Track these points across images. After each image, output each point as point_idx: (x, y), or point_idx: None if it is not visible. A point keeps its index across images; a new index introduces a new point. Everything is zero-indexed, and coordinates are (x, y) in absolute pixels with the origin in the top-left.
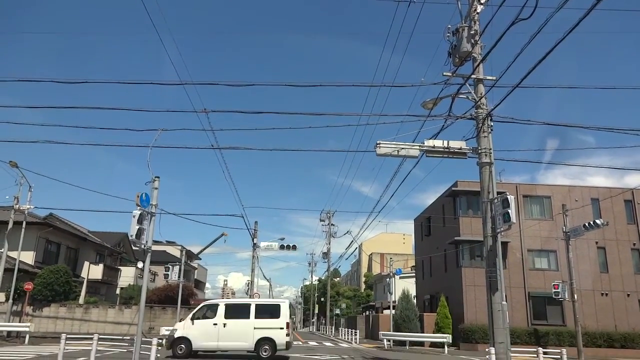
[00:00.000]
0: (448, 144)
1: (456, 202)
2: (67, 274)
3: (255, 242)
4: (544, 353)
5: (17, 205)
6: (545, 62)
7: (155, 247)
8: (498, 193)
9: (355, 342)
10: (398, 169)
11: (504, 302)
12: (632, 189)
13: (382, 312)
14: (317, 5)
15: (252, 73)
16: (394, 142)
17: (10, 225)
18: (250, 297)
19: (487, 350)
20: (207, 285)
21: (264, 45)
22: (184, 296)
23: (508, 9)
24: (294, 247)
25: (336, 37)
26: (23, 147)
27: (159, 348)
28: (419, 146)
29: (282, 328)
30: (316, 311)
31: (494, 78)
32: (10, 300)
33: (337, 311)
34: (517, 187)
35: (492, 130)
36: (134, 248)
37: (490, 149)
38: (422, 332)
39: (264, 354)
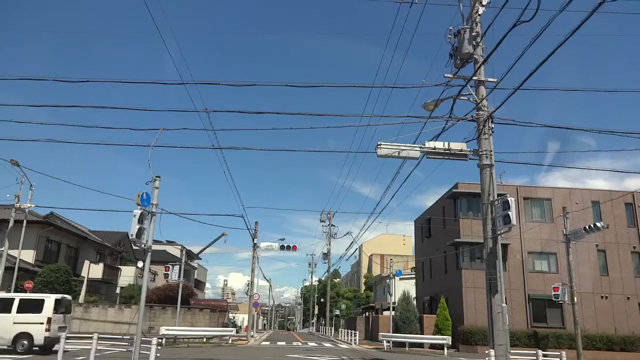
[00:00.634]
0: (449, 146)
1: (456, 204)
2: (67, 273)
3: (255, 242)
4: (544, 355)
5: (18, 204)
6: (547, 64)
7: (155, 247)
8: (498, 195)
9: (355, 343)
10: (399, 170)
11: (504, 305)
12: (632, 191)
13: (382, 314)
14: (318, 6)
15: (254, 73)
16: (395, 144)
17: (10, 224)
18: (250, 298)
19: (486, 352)
20: (207, 285)
21: (266, 46)
22: (184, 296)
23: (510, 11)
24: (294, 248)
25: (338, 38)
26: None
27: (159, 348)
28: (420, 147)
29: (42, 323)
30: (316, 312)
31: (495, 80)
32: None
33: (337, 312)
34: (518, 189)
35: (493, 132)
36: (134, 247)
37: (491, 151)
38: (422, 334)
39: (20, 348)
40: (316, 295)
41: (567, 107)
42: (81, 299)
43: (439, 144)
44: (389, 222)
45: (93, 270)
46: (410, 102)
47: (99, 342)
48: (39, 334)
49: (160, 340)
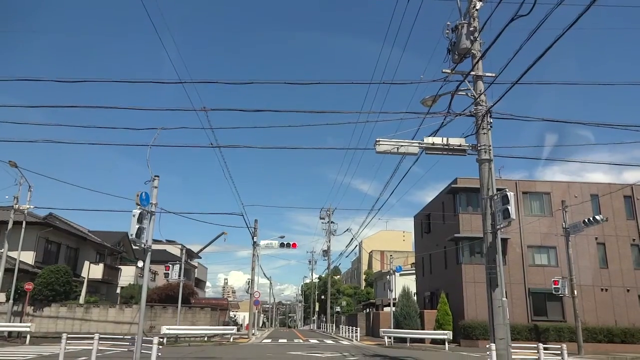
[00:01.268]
0: (447, 141)
1: (456, 199)
2: (67, 274)
3: (255, 240)
4: (544, 349)
5: (17, 205)
6: (544, 58)
7: (155, 246)
8: (497, 190)
9: (356, 340)
10: (397, 166)
11: (504, 299)
12: (631, 184)
13: (383, 310)
14: (315, 2)
15: (252, 72)
16: (394, 140)
17: (10, 225)
18: (250, 296)
19: (487, 346)
20: (208, 284)
21: (264, 43)
22: (185, 295)
23: (507, 5)
24: (294, 245)
25: (335, 34)
26: (22, 147)
27: (161, 347)
28: (419, 143)
29: None
30: (317, 309)
31: (493, 75)
32: (11, 301)
33: (338, 309)
34: (517, 183)
35: (491, 127)
36: (134, 247)
37: (490, 146)
38: (423, 329)
39: None
40: (317, 293)
41: (565, 100)
42: (81, 299)
43: (437, 140)
44: (388, 219)
45: (93, 271)
46: (408, 98)
47: (100, 342)
48: None
49: (161, 340)
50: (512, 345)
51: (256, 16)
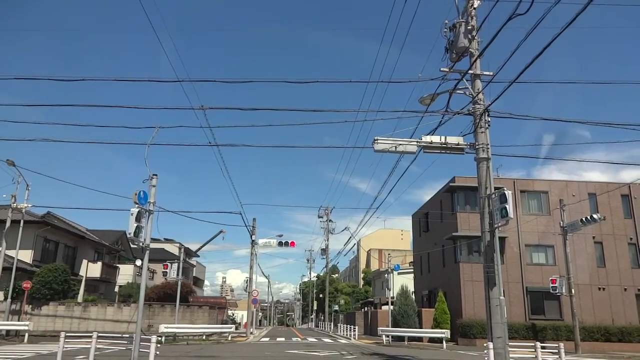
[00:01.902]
0: (445, 140)
1: (454, 198)
2: (65, 273)
3: (253, 239)
4: (542, 347)
5: (15, 204)
6: (542, 57)
7: (153, 245)
8: (495, 188)
9: (354, 338)
10: (395, 165)
11: (502, 297)
12: (628, 183)
13: (381, 308)
14: (313, 1)
15: (250, 70)
16: (392, 138)
17: (7, 224)
18: (249, 294)
19: (485, 345)
20: (206, 282)
21: (261, 42)
22: (183, 294)
23: (505, 4)
24: (293, 244)
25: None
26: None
27: (159, 345)
28: (417, 142)
29: None
30: (315, 308)
31: (491, 73)
32: (9, 299)
33: (336, 307)
34: (515, 182)
35: (489, 125)
36: (132, 246)
37: (488, 145)
38: (421, 328)
39: None
40: (315, 291)
41: (563, 99)
42: (80, 298)
43: (435, 138)
44: (386, 217)
45: (91, 269)
46: (406, 97)
47: (99, 340)
48: None
49: (159, 338)
50: (510, 343)
51: (254, 14)
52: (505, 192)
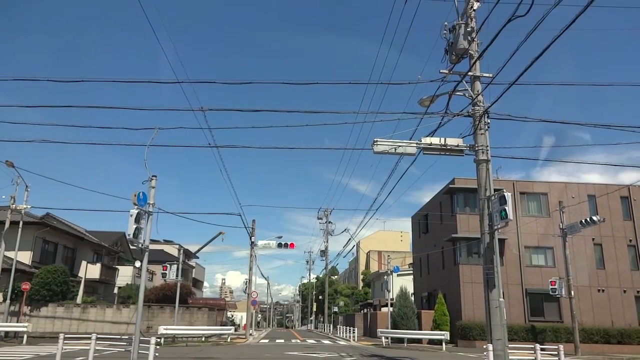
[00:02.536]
0: (445, 142)
1: (453, 200)
2: (64, 274)
3: (252, 240)
4: (541, 349)
5: (14, 205)
6: (542, 59)
7: (152, 246)
8: (495, 190)
9: (354, 340)
10: (395, 167)
11: (502, 299)
12: (628, 185)
13: (380, 310)
14: (314, 3)
15: (250, 72)
16: (391, 140)
17: (7, 225)
18: (248, 296)
19: (484, 347)
20: (205, 284)
21: (261, 43)
22: (182, 295)
23: (505, 6)
24: (292, 245)
25: (333, 34)
26: (19, 147)
27: (158, 347)
28: (416, 144)
29: None
30: (314, 309)
31: (491, 75)
32: (8, 301)
33: (335, 309)
34: (514, 184)
35: (488, 127)
36: (131, 247)
37: (487, 146)
38: (420, 330)
39: None
40: (314, 293)
41: (562, 101)
42: (79, 299)
43: (435, 140)
44: (386, 219)
45: (90, 271)
46: (406, 99)
47: (98, 342)
48: None
49: (158, 340)
50: (509, 345)
51: (251, 15)
52: (505, 193)
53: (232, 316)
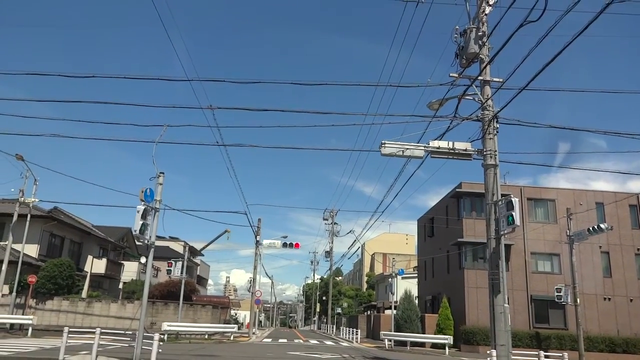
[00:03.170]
0: (453, 145)
1: (460, 204)
2: (70, 268)
3: (258, 239)
4: (546, 356)
5: (22, 198)
6: (556, 65)
7: (158, 243)
8: (502, 195)
9: (356, 342)
10: (402, 169)
11: (506, 305)
12: (637, 193)
13: (384, 312)
14: (324, 5)
15: (258, 71)
16: (399, 142)
17: (14, 218)
18: (252, 294)
19: (488, 352)
20: (210, 281)
21: (271, 44)
22: (186, 292)
23: (517, 11)
24: (297, 245)
25: (343, 36)
26: (29, 140)
27: (161, 343)
28: (424, 147)
29: None
30: (318, 310)
31: (501, 80)
32: (14, 293)
33: (339, 310)
34: (522, 189)
35: (497, 132)
36: (137, 243)
37: (496, 151)
38: (424, 333)
39: None
40: (318, 293)
41: (578, 108)
42: (84, 293)
43: (443, 144)
44: (391, 221)
45: (96, 265)
46: (415, 101)
47: (102, 337)
48: None
49: (162, 336)
50: (513, 351)
51: (262, 16)
52: (512, 199)
53: (236, 314)
